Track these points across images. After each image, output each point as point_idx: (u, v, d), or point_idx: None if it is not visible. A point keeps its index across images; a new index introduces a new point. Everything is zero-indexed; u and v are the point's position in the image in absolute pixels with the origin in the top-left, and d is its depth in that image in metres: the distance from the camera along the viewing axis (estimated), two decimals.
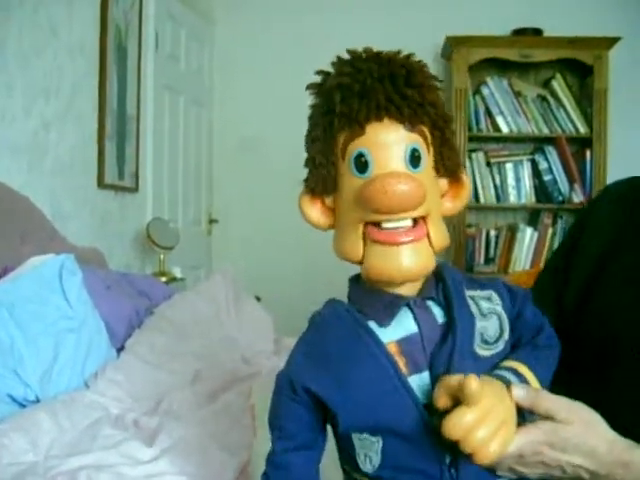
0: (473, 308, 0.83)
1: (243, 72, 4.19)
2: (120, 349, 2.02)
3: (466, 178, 0.85)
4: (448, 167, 0.83)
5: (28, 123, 2.37)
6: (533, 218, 3.96)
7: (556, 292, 1.11)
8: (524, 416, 0.78)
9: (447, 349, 0.79)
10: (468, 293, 0.84)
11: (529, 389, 0.78)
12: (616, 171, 3.69)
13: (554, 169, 3.83)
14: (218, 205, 4.31)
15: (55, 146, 2.55)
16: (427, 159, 0.80)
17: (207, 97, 4.21)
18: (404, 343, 0.80)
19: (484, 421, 0.70)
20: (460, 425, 0.70)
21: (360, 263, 0.81)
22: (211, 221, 4.28)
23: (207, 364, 1.99)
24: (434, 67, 3.88)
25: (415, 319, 0.81)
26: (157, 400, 1.74)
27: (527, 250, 3.87)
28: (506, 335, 0.84)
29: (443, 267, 0.84)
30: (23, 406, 1.60)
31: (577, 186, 3.78)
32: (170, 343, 2.04)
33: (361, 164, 0.78)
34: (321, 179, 0.82)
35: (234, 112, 4.22)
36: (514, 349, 0.85)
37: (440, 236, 0.81)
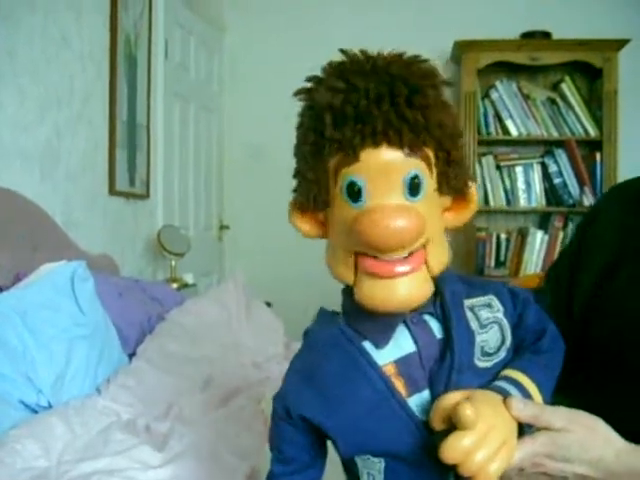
0: (472, 323, 0.78)
1: (252, 79, 4.21)
2: (132, 355, 2.04)
3: (473, 192, 0.78)
4: (453, 187, 0.75)
5: (40, 131, 2.39)
6: (543, 221, 3.95)
7: (562, 297, 1.10)
8: (523, 428, 0.75)
9: (446, 366, 0.75)
10: (467, 303, 0.80)
11: (528, 403, 0.75)
12: (627, 173, 3.66)
13: (564, 172, 3.82)
14: (229, 211, 4.33)
15: (67, 154, 2.57)
16: (429, 182, 0.73)
17: (217, 104, 4.23)
18: (401, 364, 0.76)
19: (483, 443, 0.67)
20: (457, 449, 0.67)
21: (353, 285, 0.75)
22: (222, 227, 4.29)
23: (218, 369, 2.00)
24: (443, 71, 3.86)
25: (412, 337, 0.77)
26: (168, 405, 1.75)
27: (538, 253, 3.85)
28: (508, 343, 0.80)
29: (441, 279, 0.78)
30: (35, 412, 1.62)
31: (587, 189, 3.76)
32: (181, 349, 2.05)
33: (354, 193, 0.71)
34: (312, 197, 0.75)
35: (244, 119, 4.24)
36: (516, 353, 0.82)
37: (440, 260, 0.75)
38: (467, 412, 0.66)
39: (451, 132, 0.73)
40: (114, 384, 1.80)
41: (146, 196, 3.28)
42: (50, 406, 1.65)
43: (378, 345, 0.77)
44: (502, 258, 3.90)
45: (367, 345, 0.77)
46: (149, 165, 3.29)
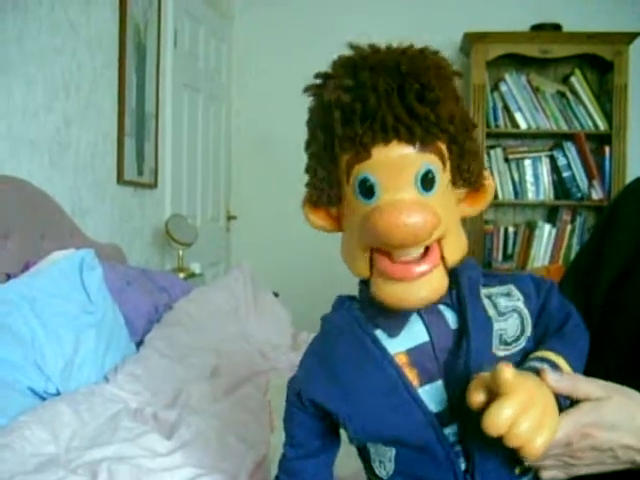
0: (490, 310, 0.78)
1: (261, 69, 4.20)
2: (139, 343, 2.04)
3: (489, 183, 0.78)
4: (468, 179, 0.76)
5: (49, 119, 2.39)
6: (552, 215, 3.94)
7: (581, 294, 1.10)
8: (560, 403, 0.73)
9: (462, 354, 0.74)
10: (485, 292, 0.79)
11: (563, 375, 0.74)
12: (636, 167, 3.66)
13: (573, 165, 3.81)
14: (236, 201, 4.33)
15: (75, 143, 2.57)
16: (443, 176, 0.73)
17: (225, 94, 4.22)
18: (414, 353, 0.76)
19: (526, 411, 0.65)
20: (501, 419, 0.64)
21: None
22: (229, 217, 4.30)
23: (225, 358, 2.00)
24: (452, 63, 3.86)
25: (426, 327, 0.76)
26: (175, 394, 1.75)
27: (545, 247, 3.85)
28: (528, 332, 0.79)
29: (459, 267, 0.78)
30: (44, 399, 1.62)
31: (596, 183, 3.75)
32: (188, 338, 2.05)
33: (367, 190, 0.71)
34: (324, 193, 0.76)
35: (252, 109, 4.24)
36: (541, 342, 0.80)
37: (456, 251, 0.75)
38: (507, 374, 0.65)
39: (464, 124, 0.73)
40: (122, 372, 1.81)
41: (154, 186, 3.28)
42: (58, 393, 1.65)
43: (391, 334, 0.77)
44: (510, 251, 3.89)
45: (380, 333, 0.77)
46: (157, 154, 3.29)
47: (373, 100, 0.68)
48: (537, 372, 0.73)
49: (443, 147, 0.72)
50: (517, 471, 0.78)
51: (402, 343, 0.77)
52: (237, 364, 1.98)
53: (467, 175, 0.75)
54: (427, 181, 0.70)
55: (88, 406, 1.57)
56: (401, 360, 0.76)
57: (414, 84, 0.68)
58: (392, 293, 0.72)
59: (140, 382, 1.80)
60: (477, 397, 0.68)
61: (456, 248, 0.75)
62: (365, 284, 0.77)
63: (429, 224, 0.67)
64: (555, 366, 0.75)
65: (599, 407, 0.74)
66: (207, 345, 2.05)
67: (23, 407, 1.50)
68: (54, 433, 1.41)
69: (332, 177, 0.74)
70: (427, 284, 0.71)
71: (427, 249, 0.71)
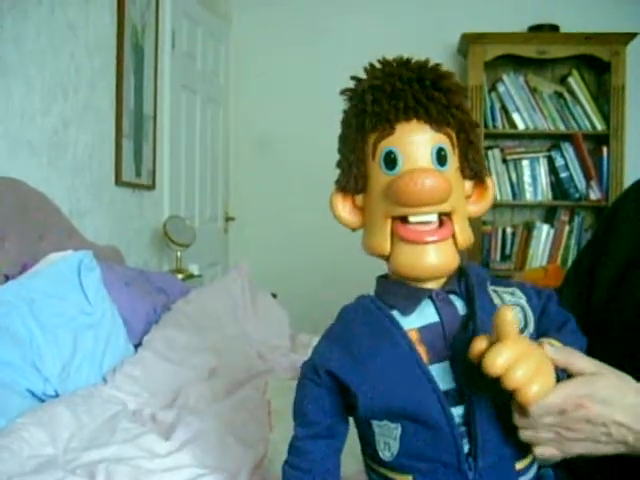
0: (496, 300, 0.85)
1: (259, 70, 4.20)
2: (138, 345, 2.04)
3: (490, 181, 0.89)
4: (473, 168, 0.86)
5: (47, 121, 2.39)
6: (549, 215, 3.95)
7: (584, 291, 1.11)
8: (557, 376, 0.76)
9: (468, 337, 0.79)
10: (491, 288, 0.86)
11: (562, 348, 0.79)
12: (633, 168, 3.67)
13: (571, 166, 3.82)
14: (234, 203, 4.33)
15: (73, 144, 2.57)
16: (453, 159, 0.83)
17: (223, 95, 4.22)
18: (425, 331, 0.82)
19: (524, 358, 0.71)
20: (500, 359, 0.70)
21: (387, 258, 0.84)
22: (228, 219, 4.30)
23: (223, 360, 2.00)
24: (450, 64, 3.87)
25: (437, 310, 0.83)
26: (174, 395, 1.75)
27: (543, 247, 3.85)
28: (531, 328, 0.84)
29: (468, 265, 0.87)
30: (42, 401, 1.62)
31: (594, 183, 3.76)
32: (187, 339, 2.05)
33: (390, 161, 0.81)
34: (352, 177, 0.85)
35: (250, 110, 4.24)
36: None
37: (465, 235, 0.84)
38: (509, 315, 0.71)
39: (468, 117, 0.85)
40: (120, 374, 1.81)
41: (152, 187, 3.28)
42: (57, 395, 1.65)
43: (404, 312, 0.83)
44: (508, 252, 3.90)
45: (395, 314, 0.84)
46: (155, 156, 3.29)
47: (399, 84, 0.81)
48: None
49: (452, 134, 0.83)
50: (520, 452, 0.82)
51: (415, 321, 0.83)
52: (235, 365, 1.99)
53: (473, 164, 0.86)
54: (441, 157, 0.82)
55: (86, 407, 1.57)
56: (413, 336, 0.82)
57: (430, 74, 0.82)
58: (406, 257, 0.81)
59: (138, 383, 1.80)
60: (479, 344, 0.74)
61: (466, 231, 0.85)
62: (381, 280, 0.88)
63: (443, 187, 0.78)
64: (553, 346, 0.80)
65: (593, 381, 0.77)
66: (205, 346, 2.05)
67: (21, 409, 1.50)
68: (52, 434, 1.41)
69: (360, 161, 0.84)
70: (438, 252, 0.81)
71: (441, 224, 0.82)
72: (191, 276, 3.25)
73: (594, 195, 3.74)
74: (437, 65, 0.85)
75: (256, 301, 2.59)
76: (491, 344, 0.73)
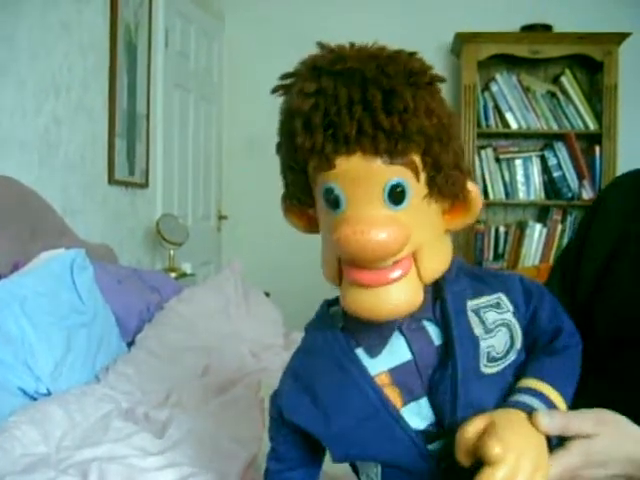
0: (477, 328, 0.74)
1: (252, 69, 4.19)
2: (130, 343, 2.04)
3: (474, 197, 0.70)
4: (446, 192, 0.68)
5: (39, 119, 2.38)
6: (542, 214, 3.96)
7: (569, 285, 1.11)
8: (551, 440, 0.71)
9: (448, 375, 0.71)
10: (472, 304, 0.75)
11: (555, 415, 0.71)
12: (626, 167, 3.62)
13: (563, 165, 3.82)
14: (227, 201, 4.33)
15: (66, 142, 2.56)
16: (417, 189, 0.67)
17: (216, 94, 4.22)
18: (396, 373, 0.73)
19: (516, 474, 0.63)
20: None
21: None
22: (220, 217, 4.30)
23: (216, 358, 2.00)
24: (443, 64, 3.88)
25: (408, 344, 0.73)
26: (166, 393, 1.75)
27: (536, 246, 3.86)
28: (518, 344, 0.75)
29: (444, 278, 0.73)
30: (34, 399, 1.62)
31: (587, 182, 3.77)
32: (180, 338, 2.05)
33: (332, 200, 0.66)
34: (295, 196, 0.72)
35: (243, 109, 4.23)
36: (531, 354, 0.77)
37: (433, 267, 0.70)
38: (495, 450, 0.63)
39: (438, 136, 0.66)
40: (113, 372, 1.81)
41: (145, 185, 3.28)
42: (49, 393, 1.65)
43: (371, 354, 0.74)
44: (500, 251, 3.90)
45: (361, 353, 0.74)
46: (148, 154, 3.29)
47: (334, 110, 0.63)
48: (528, 410, 0.70)
49: (417, 158, 0.66)
50: None
51: (384, 362, 0.74)
52: (228, 364, 1.98)
53: (446, 188, 0.68)
54: (396, 195, 0.65)
55: (79, 406, 1.57)
56: (383, 380, 0.73)
57: (378, 93, 0.62)
58: (361, 302, 0.67)
59: (131, 382, 1.79)
60: (466, 460, 0.67)
61: (433, 263, 0.70)
62: None
63: (396, 241, 0.63)
64: (546, 400, 0.72)
65: (588, 447, 0.73)
66: (198, 345, 2.05)
67: (13, 407, 1.50)
68: (45, 433, 1.41)
69: (300, 183, 0.70)
70: (397, 291, 0.67)
71: (397, 261, 0.67)
72: (184, 275, 3.24)
73: (587, 194, 3.75)
74: (395, 59, 0.65)
75: (249, 299, 2.58)
76: (474, 448, 0.65)
